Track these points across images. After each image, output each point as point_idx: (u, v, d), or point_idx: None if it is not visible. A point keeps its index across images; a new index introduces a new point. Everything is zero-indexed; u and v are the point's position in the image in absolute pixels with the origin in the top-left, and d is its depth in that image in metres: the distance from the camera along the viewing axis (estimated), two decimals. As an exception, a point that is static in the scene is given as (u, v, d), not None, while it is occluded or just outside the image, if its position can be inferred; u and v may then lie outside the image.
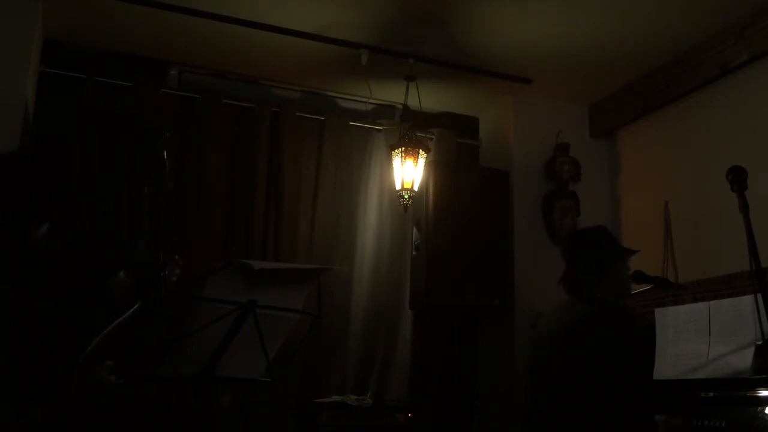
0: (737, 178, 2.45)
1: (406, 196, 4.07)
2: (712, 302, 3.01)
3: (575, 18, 3.75)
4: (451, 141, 4.80)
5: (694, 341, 2.97)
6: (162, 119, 4.02)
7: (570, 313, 2.80)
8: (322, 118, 4.51)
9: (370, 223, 4.51)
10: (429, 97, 4.48)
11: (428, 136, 4.64)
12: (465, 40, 4.00)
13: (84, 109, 3.85)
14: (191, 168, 4.14)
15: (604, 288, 2.82)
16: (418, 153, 4.10)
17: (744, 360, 2.75)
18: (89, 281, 2.34)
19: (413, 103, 4.20)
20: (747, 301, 2.79)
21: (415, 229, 4.30)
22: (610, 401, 2.55)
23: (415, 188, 4.10)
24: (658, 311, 3.21)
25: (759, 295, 2.30)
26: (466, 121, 4.98)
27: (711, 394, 2.74)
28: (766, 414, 2.54)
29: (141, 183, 2.52)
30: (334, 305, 4.24)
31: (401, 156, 4.08)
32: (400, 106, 4.35)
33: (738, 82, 3.79)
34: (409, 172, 4.07)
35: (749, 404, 2.61)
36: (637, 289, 3.19)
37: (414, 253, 4.29)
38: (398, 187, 4.10)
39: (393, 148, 4.13)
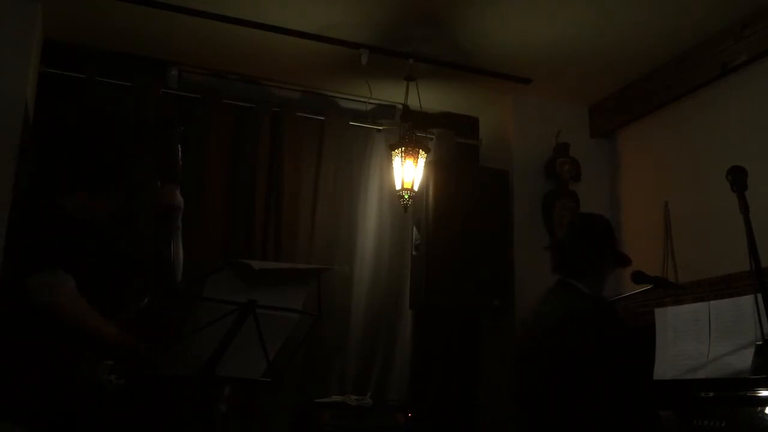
0: (737, 178, 2.45)
1: (406, 196, 4.07)
2: (712, 302, 3.02)
3: (575, 18, 3.75)
4: (451, 141, 4.80)
5: (694, 341, 2.97)
6: (159, 117, 4.01)
7: (559, 309, 2.81)
8: (322, 118, 4.51)
9: (370, 223, 4.51)
10: (429, 97, 4.48)
11: (428, 136, 4.64)
12: (465, 40, 4.00)
13: (81, 109, 3.86)
14: (191, 168, 4.13)
15: (588, 280, 2.84)
16: (418, 153, 4.10)
17: (744, 360, 2.75)
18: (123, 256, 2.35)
19: (413, 103, 4.20)
20: (747, 301, 2.79)
21: (415, 229, 4.31)
22: (603, 397, 2.56)
23: (415, 188, 4.10)
24: (658, 311, 3.22)
25: (759, 295, 2.30)
26: (466, 121, 4.98)
27: (711, 394, 2.74)
28: (766, 414, 2.54)
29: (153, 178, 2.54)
30: (334, 305, 4.24)
31: (401, 156, 4.08)
32: (400, 106, 4.35)
33: (738, 82, 3.79)
34: (409, 172, 4.07)
35: (749, 404, 2.61)
36: (637, 289, 3.19)
37: (414, 253, 4.29)
38: (398, 187, 4.10)
39: (393, 148, 4.13)
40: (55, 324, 2.08)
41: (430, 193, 4.21)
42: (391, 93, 4.50)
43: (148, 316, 2.37)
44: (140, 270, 2.45)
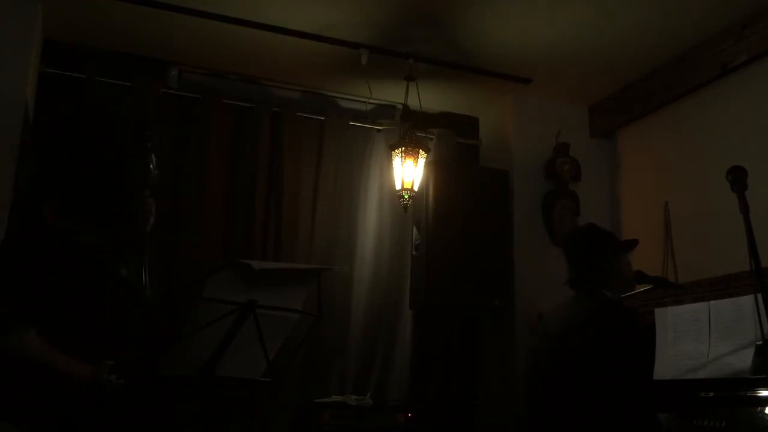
0: (737, 178, 2.45)
1: (406, 196, 4.07)
2: (712, 302, 3.01)
3: (575, 18, 3.75)
4: (451, 141, 4.80)
5: (694, 341, 2.97)
6: (158, 118, 4.01)
7: (576, 310, 2.81)
8: (322, 118, 4.51)
9: (370, 223, 4.51)
10: (429, 97, 4.48)
11: (428, 136, 4.64)
12: (465, 40, 4.00)
13: (81, 109, 3.85)
14: (191, 168, 4.14)
15: (609, 284, 2.83)
16: (418, 153, 4.10)
17: (744, 360, 2.75)
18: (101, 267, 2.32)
19: (413, 103, 4.20)
20: (747, 301, 2.79)
21: (415, 229, 4.31)
22: (615, 398, 2.56)
23: (415, 188, 4.09)
24: (658, 311, 3.22)
25: (759, 295, 2.30)
26: (466, 121, 4.98)
27: (711, 394, 2.74)
28: (766, 414, 2.54)
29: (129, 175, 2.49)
30: (334, 305, 4.24)
31: (401, 156, 4.08)
32: (400, 106, 4.35)
33: (738, 82, 3.79)
34: (409, 172, 4.07)
35: (749, 404, 2.61)
36: (637, 289, 3.19)
37: (414, 253, 4.29)
38: (398, 187, 4.10)
39: (393, 148, 4.13)
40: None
41: (430, 193, 4.21)
42: (391, 93, 4.50)
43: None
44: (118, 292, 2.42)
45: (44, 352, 2.11)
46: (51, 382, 2.09)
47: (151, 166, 2.44)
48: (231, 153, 4.28)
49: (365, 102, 4.65)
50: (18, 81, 3.53)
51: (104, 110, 3.91)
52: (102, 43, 4.09)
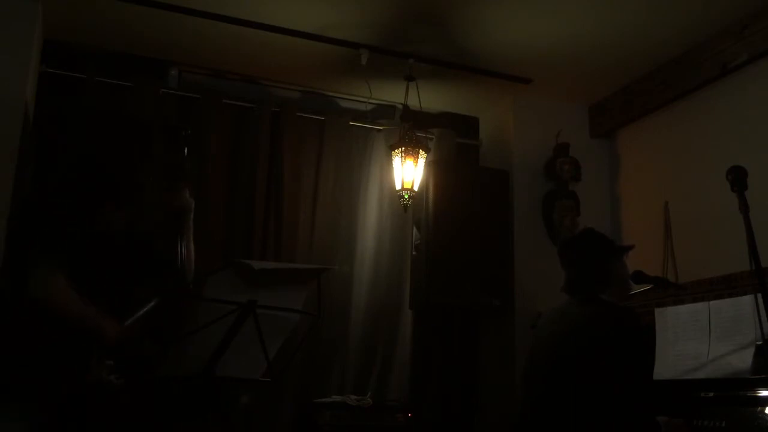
0: (737, 178, 2.45)
1: (406, 196, 4.07)
2: (712, 302, 3.02)
3: (575, 18, 3.75)
4: (451, 141, 4.80)
5: (694, 341, 2.98)
6: (158, 118, 4.01)
7: (576, 313, 2.81)
8: (322, 118, 4.51)
9: (370, 223, 4.51)
10: (429, 97, 4.48)
11: (428, 136, 4.63)
12: (465, 40, 4.00)
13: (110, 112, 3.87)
14: (191, 168, 4.13)
15: (607, 288, 2.82)
16: (418, 153, 4.10)
17: (744, 360, 2.75)
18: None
19: (413, 103, 4.20)
20: (747, 301, 2.80)
21: (415, 229, 4.31)
22: (616, 400, 2.55)
23: (415, 188, 4.10)
24: (658, 311, 3.22)
25: (759, 295, 2.30)
26: (466, 121, 4.98)
27: (711, 394, 2.74)
28: (766, 414, 2.54)
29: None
30: (334, 305, 4.24)
31: (401, 156, 4.08)
32: (400, 106, 4.35)
33: (738, 82, 3.79)
34: (409, 172, 4.07)
35: (749, 404, 2.61)
36: (637, 289, 3.19)
37: (414, 253, 4.29)
38: (398, 187, 4.10)
39: (393, 148, 4.13)
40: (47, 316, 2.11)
41: (430, 193, 4.21)
42: (391, 93, 4.50)
43: (157, 317, 2.37)
44: (155, 271, 2.46)
45: (72, 298, 2.12)
46: (56, 378, 2.10)
47: (185, 154, 2.49)
48: (231, 153, 4.28)
49: (365, 102, 4.65)
50: (18, 81, 3.52)
51: (104, 110, 3.92)
52: (102, 43, 4.09)
